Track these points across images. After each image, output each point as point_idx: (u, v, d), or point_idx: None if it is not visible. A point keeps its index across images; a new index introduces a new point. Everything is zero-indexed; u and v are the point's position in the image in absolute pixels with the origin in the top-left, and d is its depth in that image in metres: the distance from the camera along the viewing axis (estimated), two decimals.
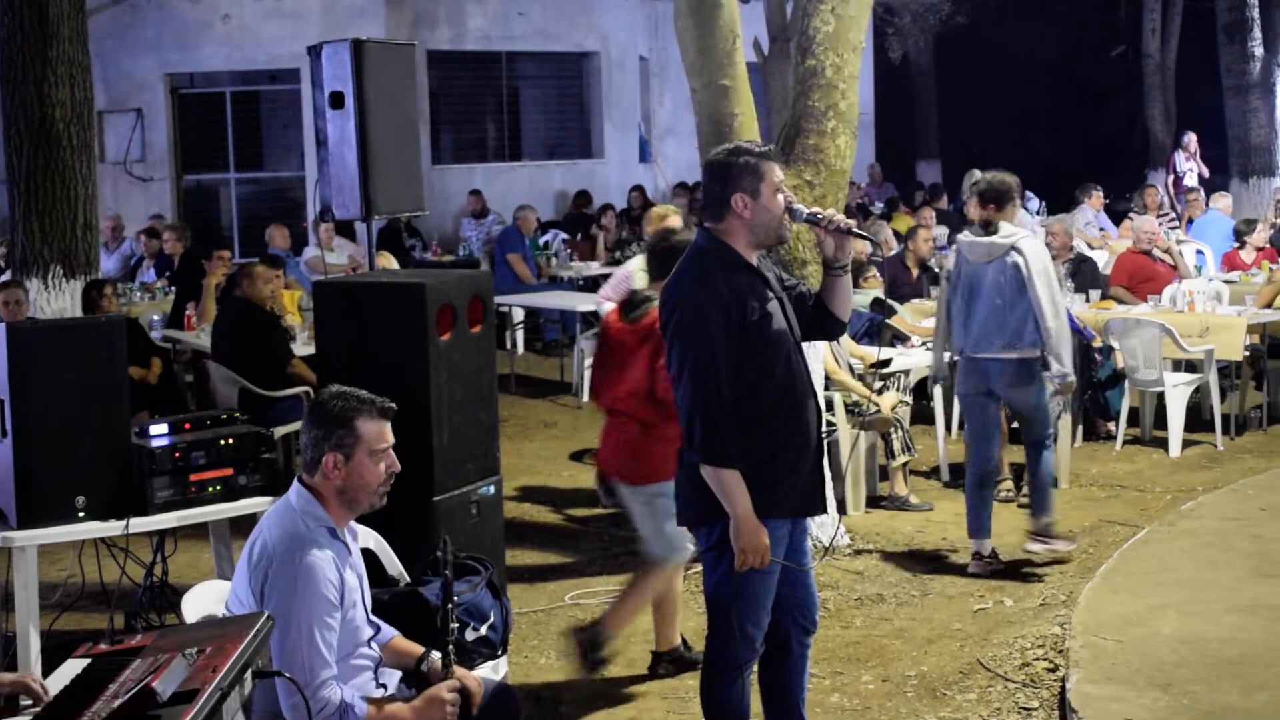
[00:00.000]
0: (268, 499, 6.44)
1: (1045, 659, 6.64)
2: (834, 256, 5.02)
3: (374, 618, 4.63)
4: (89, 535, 6.32)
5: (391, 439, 4.51)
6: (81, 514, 6.12)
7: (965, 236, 8.22)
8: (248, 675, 3.53)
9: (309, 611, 4.21)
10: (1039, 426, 8.18)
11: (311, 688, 4.16)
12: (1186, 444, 10.71)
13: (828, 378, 8.85)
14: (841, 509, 8.78)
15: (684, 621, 7.26)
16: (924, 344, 11.06)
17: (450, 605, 4.54)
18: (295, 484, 4.48)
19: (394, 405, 4.56)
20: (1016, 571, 8.03)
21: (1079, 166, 14.88)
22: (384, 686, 4.56)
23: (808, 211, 4.99)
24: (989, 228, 8.07)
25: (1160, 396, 10.91)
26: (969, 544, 8.17)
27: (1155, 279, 12.25)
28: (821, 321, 5.16)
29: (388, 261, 11.74)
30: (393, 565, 5.58)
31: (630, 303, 6.62)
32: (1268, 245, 14.09)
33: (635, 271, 8.38)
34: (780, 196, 4.91)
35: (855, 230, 5.00)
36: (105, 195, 16.04)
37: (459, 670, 4.50)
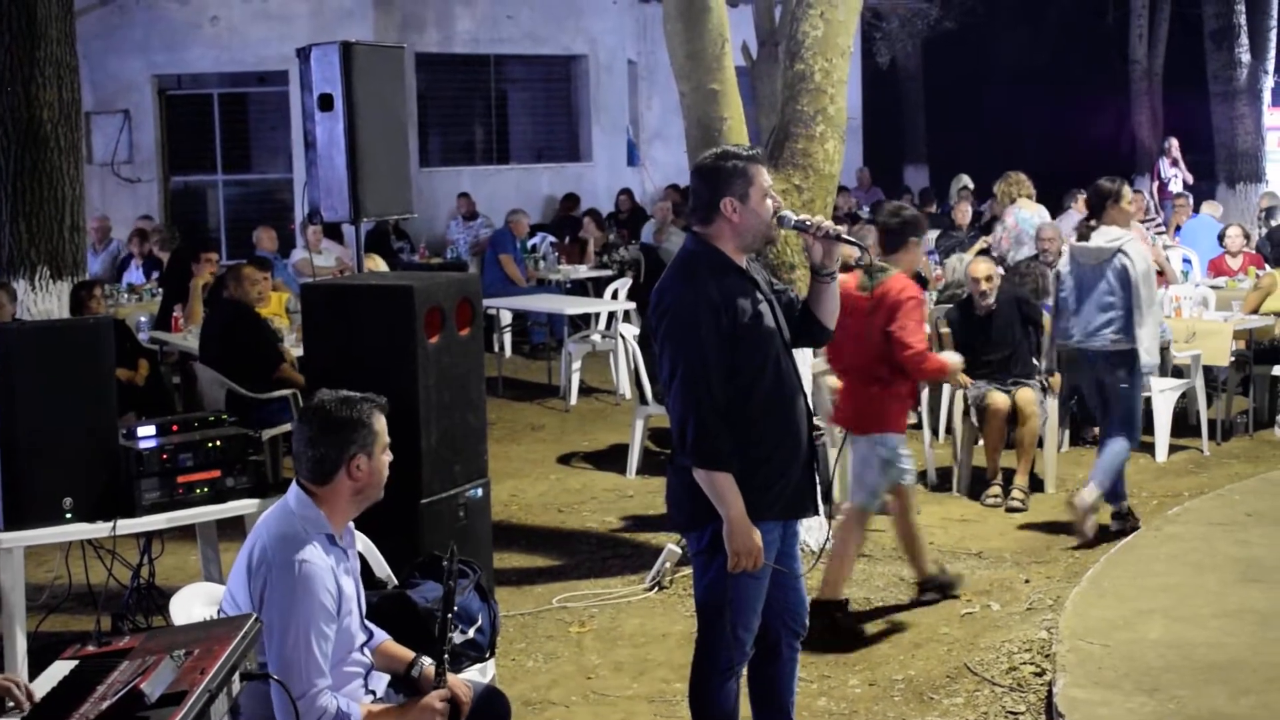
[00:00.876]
0: (255, 501, 6.45)
1: (1032, 663, 6.64)
2: (822, 263, 5.03)
3: (368, 623, 4.63)
4: (76, 537, 6.32)
5: None
6: (69, 515, 6.11)
7: (1075, 242, 8.95)
8: (235, 677, 3.53)
9: (307, 620, 4.21)
10: (1123, 419, 8.77)
11: (308, 697, 4.16)
12: (1173, 449, 10.73)
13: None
14: (830, 513, 8.78)
15: (672, 625, 7.28)
16: None
17: (450, 615, 4.55)
18: (294, 489, 4.47)
19: (386, 399, 4.65)
20: (1004, 577, 8.06)
21: (1066, 171, 14.93)
22: (373, 692, 4.56)
23: (796, 218, 4.99)
24: (1084, 235, 8.85)
25: (1147, 402, 10.92)
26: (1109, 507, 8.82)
27: None
28: (809, 329, 5.16)
29: (376, 264, 11.73)
30: (380, 568, 5.58)
31: (867, 272, 7.31)
32: (1253, 250, 14.13)
33: None
34: (769, 200, 4.91)
35: (844, 236, 5.01)
36: (92, 196, 16.02)
37: (450, 678, 4.51)
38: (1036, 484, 9.80)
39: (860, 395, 7.32)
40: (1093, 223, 8.80)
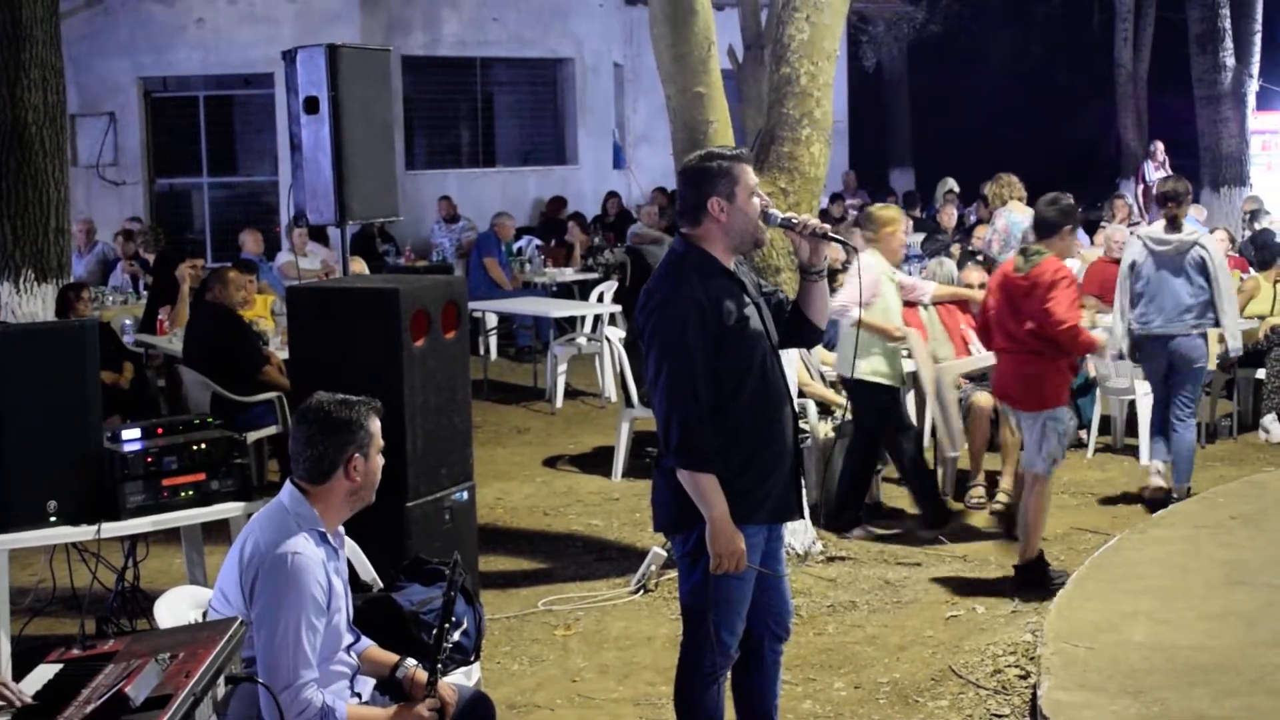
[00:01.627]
0: (240, 504, 6.44)
1: (1017, 666, 6.65)
2: (810, 261, 5.03)
3: (353, 627, 4.64)
4: (60, 540, 6.32)
5: None
6: (53, 518, 6.11)
7: (1152, 232, 9.70)
8: (220, 680, 3.53)
9: (297, 612, 4.23)
10: (1187, 400, 9.52)
11: (294, 688, 4.18)
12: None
13: (800, 389, 8.87)
14: (815, 516, 8.79)
15: (658, 628, 7.28)
16: None
17: (448, 625, 4.56)
18: (288, 488, 4.51)
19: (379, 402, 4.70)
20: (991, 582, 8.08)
21: (1051, 175, 15.03)
22: (359, 695, 4.56)
23: (783, 216, 5.00)
24: (1175, 223, 9.54)
25: (1132, 404, 10.94)
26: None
27: None
28: (800, 329, 5.16)
29: (360, 267, 11.71)
30: (366, 571, 5.58)
31: (1024, 254, 7.96)
32: (1237, 254, 14.16)
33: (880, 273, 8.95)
34: (755, 200, 4.92)
35: (831, 234, 5.02)
36: (77, 199, 15.96)
37: (442, 687, 4.53)
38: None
39: (1024, 373, 7.91)
40: (1179, 211, 9.52)
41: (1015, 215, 13.25)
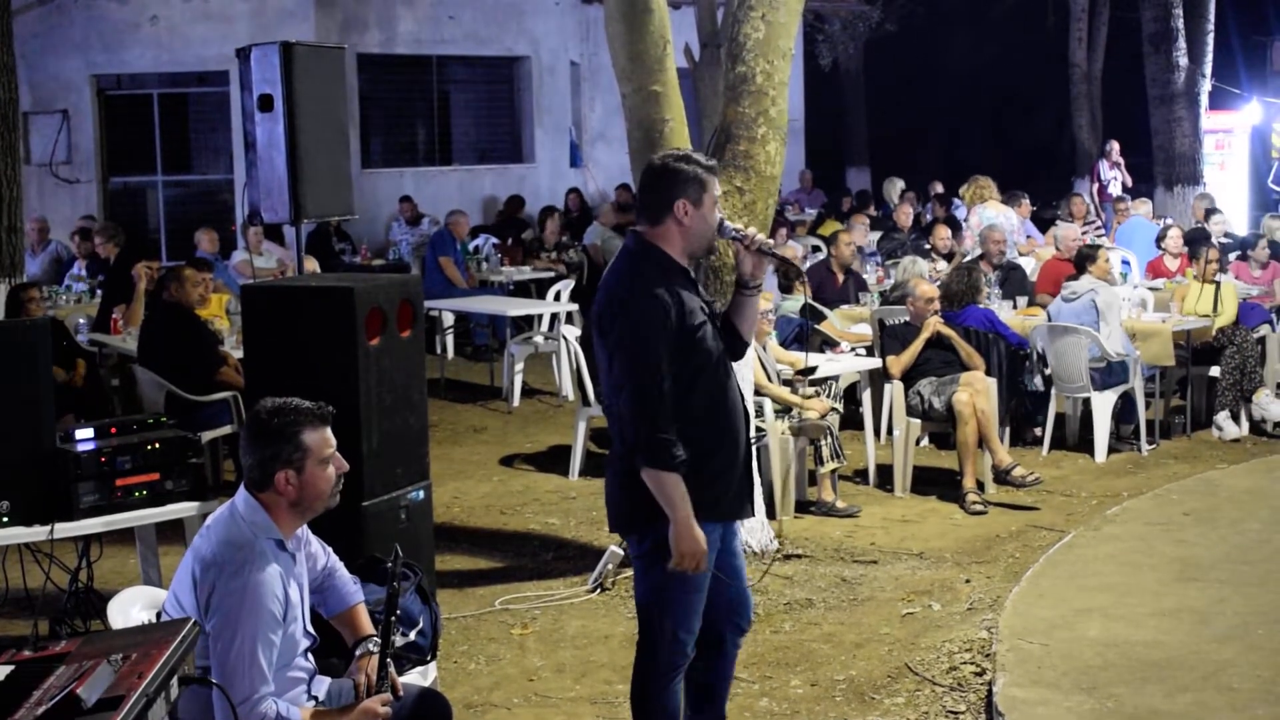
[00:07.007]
0: (194, 504, 6.42)
1: (972, 663, 6.68)
2: (751, 274, 5.07)
3: (311, 630, 4.59)
4: (13, 540, 6.27)
5: (334, 441, 4.51)
6: (5, 519, 6.06)
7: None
8: (174, 681, 3.51)
9: (254, 628, 4.18)
10: None
11: (249, 702, 4.12)
12: (1111, 449, 10.81)
13: (757, 389, 8.88)
14: (771, 513, 8.81)
15: (615, 627, 7.27)
16: (853, 349, 11.11)
17: (394, 617, 4.54)
18: (242, 493, 4.42)
19: (332, 409, 4.55)
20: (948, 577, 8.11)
21: (1007, 174, 15.13)
22: (315, 698, 4.53)
23: (733, 228, 5.02)
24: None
25: (1086, 402, 11.00)
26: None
27: None
28: (728, 342, 5.13)
29: (312, 266, 11.65)
30: None
31: None
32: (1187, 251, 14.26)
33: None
34: (717, 211, 4.95)
35: (775, 251, 5.07)
36: (30, 197, 15.84)
37: (391, 674, 4.50)
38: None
39: None
40: None
41: (989, 212, 13.57)
